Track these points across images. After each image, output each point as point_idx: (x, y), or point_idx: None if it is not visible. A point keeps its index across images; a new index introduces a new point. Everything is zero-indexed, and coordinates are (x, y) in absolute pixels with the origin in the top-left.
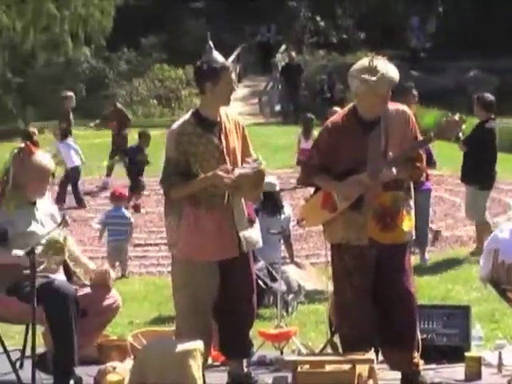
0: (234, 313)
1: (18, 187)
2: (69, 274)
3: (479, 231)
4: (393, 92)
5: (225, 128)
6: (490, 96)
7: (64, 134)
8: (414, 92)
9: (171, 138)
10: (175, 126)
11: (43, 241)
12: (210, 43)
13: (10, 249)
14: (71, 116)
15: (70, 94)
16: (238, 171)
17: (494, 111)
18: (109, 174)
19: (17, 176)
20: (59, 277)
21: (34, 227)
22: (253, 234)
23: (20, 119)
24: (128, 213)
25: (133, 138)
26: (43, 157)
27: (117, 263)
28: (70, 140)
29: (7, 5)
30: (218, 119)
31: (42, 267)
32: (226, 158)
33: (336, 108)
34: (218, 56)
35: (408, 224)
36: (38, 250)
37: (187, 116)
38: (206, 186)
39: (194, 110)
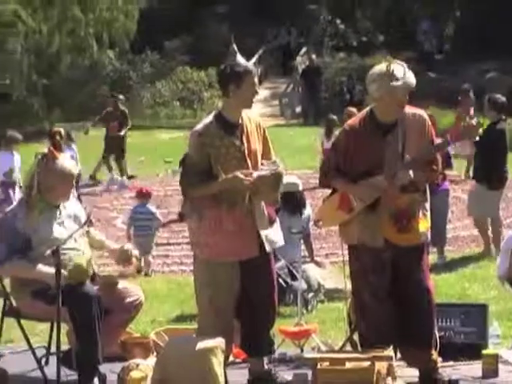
0: (255, 311)
1: (42, 192)
2: (92, 275)
3: (479, 228)
4: (410, 96)
5: (246, 130)
6: (501, 97)
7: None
8: (471, 94)
9: (194, 139)
10: (198, 127)
11: (70, 266)
12: (234, 46)
13: (35, 256)
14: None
15: (121, 97)
16: (256, 174)
17: (505, 112)
18: (122, 174)
19: (41, 181)
20: None
21: (56, 232)
22: (273, 233)
23: (46, 121)
24: (154, 208)
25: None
26: (66, 161)
27: (142, 260)
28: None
29: (33, 9)
30: (240, 121)
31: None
32: (248, 159)
33: (351, 108)
34: (241, 59)
35: (424, 226)
36: (63, 271)
37: (210, 118)
38: (225, 187)
39: (217, 112)
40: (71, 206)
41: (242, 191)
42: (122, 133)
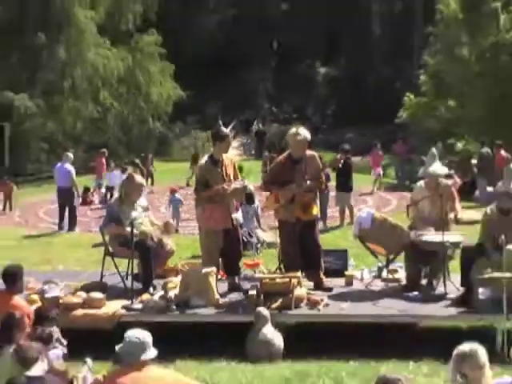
0: (231, 253)
1: (127, 195)
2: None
3: (340, 211)
4: (309, 144)
5: (225, 164)
6: (347, 145)
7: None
8: (346, 146)
9: (200, 169)
10: (202, 162)
11: (139, 230)
12: (220, 122)
13: (122, 225)
14: None
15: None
16: (233, 185)
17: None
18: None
19: (126, 190)
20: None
21: (133, 214)
22: (238, 215)
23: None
24: (180, 196)
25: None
26: (139, 179)
27: (174, 221)
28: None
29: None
30: (221, 159)
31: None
32: (226, 179)
33: (267, 154)
34: (223, 128)
35: (315, 210)
36: (136, 225)
37: (206, 158)
38: (216, 193)
39: (210, 154)
40: (142, 201)
41: (225, 195)
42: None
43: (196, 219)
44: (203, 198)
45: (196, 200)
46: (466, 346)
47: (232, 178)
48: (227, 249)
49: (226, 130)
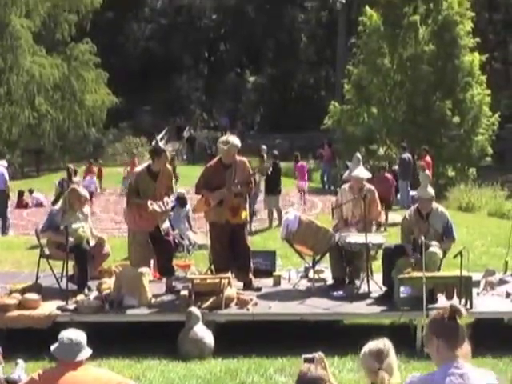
0: (162, 254)
1: (70, 206)
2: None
3: (269, 214)
4: (239, 151)
5: (161, 177)
6: (275, 152)
7: None
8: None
9: (135, 176)
10: (138, 169)
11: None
12: (157, 138)
13: (60, 234)
14: None
15: None
16: (155, 206)
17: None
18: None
19: (70, 201)
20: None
21: (73, 226)
22: (166, 224)
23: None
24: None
25: None
26: (82, 191)
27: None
28: None
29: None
30: (159, 170)
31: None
32: (157, 190)
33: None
34: (160, 144)
35: (245, 214)
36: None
37: (144, 166)
38: (142, 205)
39: (148, 165)
40: (83, 210)
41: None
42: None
43: (125, 221)
44: (132, 203)
45: (126, 203)
46: (379, 343)
47: (162, 192)
48: (159, 250)
49: (163, 146)
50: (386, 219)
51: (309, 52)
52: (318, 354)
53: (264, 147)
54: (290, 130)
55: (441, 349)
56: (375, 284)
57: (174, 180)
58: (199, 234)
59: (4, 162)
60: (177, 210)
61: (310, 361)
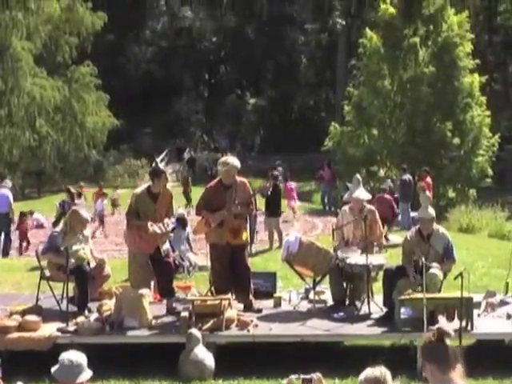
0: (162, 276)
1: (71, 228)
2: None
3: (269, 235)
4: (239, 172)
5: (161, 198)
6: (277, 171)
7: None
8: (279, 170)
9: (134, 197)
10: (138, 191)
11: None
12: (157, 160)
13: (61, 256)
14: None
15: None
16: (155, 228)
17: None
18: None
19: (71, 223)
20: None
21: (74, 247)
22: (166, 246)
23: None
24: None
25: None
26: (84, 213)
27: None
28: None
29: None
30: (159, 192)
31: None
32: (158, 212)
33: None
34: (159, 165)
35: (245, 235)
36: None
37: (143, 188)
38: (142, 226)
39: (148, 186)
40: (84, 232)
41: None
42: None
43: (126, 243)
44: (132, 224)
45: (126, 224)
46: (375, 371)
47: (162, 214)
48: (159, 272)
49: (162, 168)
50: (386, 239)
51: (309, 74)
52: (316, 375)
53: (280, 169)
54: (290, 152)
55: (434, 373)
56: (376, 305)
57: (187, 203)
58: (200, 255)
59: (8, 183)
60: (177, 232)
61: (308, 382)
